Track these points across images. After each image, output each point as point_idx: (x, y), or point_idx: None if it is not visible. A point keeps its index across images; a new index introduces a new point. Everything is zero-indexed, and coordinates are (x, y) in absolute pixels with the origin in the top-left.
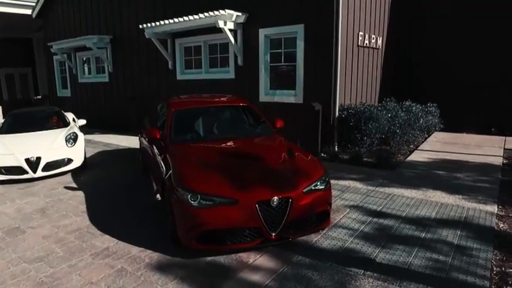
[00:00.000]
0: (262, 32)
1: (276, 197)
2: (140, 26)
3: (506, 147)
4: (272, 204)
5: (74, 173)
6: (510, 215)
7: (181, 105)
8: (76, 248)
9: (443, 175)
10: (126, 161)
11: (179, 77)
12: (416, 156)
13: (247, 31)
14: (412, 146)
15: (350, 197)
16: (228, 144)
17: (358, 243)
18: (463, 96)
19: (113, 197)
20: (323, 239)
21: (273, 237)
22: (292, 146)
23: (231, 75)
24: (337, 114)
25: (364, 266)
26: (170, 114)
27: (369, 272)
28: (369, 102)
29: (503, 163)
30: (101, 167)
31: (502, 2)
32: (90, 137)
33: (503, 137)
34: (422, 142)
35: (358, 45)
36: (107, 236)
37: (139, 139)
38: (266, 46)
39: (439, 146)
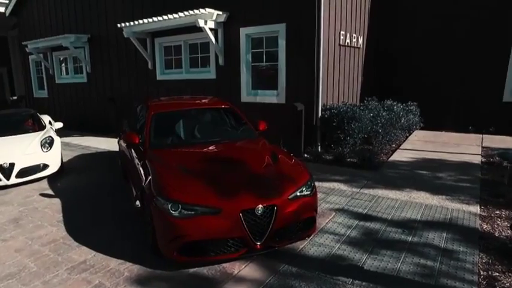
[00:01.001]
0: (244, 31)
1: (260, 205)
2: (118, 25)
3: (483, 145)
4: (257, 213)
5: (51, 179)
6: (492, 215)
7: (160, 108)
8: (51, 262)
9: (425, 175)
10: (106, 164)
11: (159, 77)
12: (398, 156)
13: (228, 30)
14: (394, 145)
15: (335, 199)
16: (210, 148)
17: (345, 250)
18: (442, 95)
19: (91, 204)
20: (309, 246)
21: (258, 246)
22: (276, 150)
23: (212, 75)
24: (319, 114)
25: (352, 274)
26: (149, 117)
27: (357, 281)
28: (350, 101)
29: (481, 161)
30: (79, 171)
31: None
32: (68, 139)
33: (480, 135)
34: (404, 141)
35: (339, 45)
36: (84, 248)
37: (118, 142)
38: (247, 45)
39: (420, 144)
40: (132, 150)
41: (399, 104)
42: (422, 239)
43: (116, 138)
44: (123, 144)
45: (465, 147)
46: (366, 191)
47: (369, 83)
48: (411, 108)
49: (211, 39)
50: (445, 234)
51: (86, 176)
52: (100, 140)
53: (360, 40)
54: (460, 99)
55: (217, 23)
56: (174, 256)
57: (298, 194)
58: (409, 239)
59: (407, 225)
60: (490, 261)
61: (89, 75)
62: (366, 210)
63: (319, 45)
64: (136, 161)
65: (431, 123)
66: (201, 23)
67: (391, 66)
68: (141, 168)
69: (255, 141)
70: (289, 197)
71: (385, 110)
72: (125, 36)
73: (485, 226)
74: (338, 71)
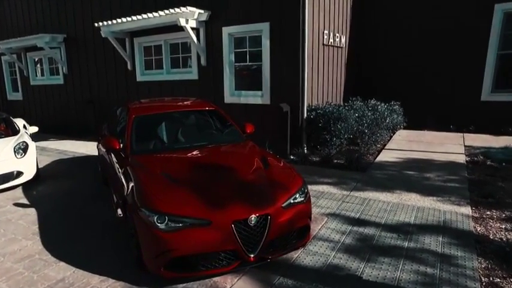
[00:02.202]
0: (226, 31)
1: (253, 215)
2: (96, 25)
3: (465, 144)
4: (250, 224)
5: (25, 187)
6: (484, 216)
7: (142, 111)
8: (26, 281)
9: (414, 176)
10: (85, 170)
11: (139, 78)
12: (384, 156)
13: (210, 29)
14: (379, 145)
15: (326, 203)
16: (196, 154)
17: (341, 258)
18: (423, 94)
19: (70, 213)
20: (304, 255)
21: (252, 259)
22: (266, 154)
23: (194, 75)
24: (305, 115)
25: (351, 285)
26: (130, 120)
27: None
28: (334, 101)
29: (466, 161)
30: (56, 178)
31: (457, 2)
32: (44, 143)
33: (461, 134)
34: (389, 141)
35: (323, 44)
36: (62, 264)
37: (97, 147)
38: (230, 45)
39: (404, 144)
40: (113, 156)
41: (383, 104)
42: (419, 244)
43: (95, 142)
44: (103, 149)
45: (449, 146)
46: (356, 193)
47: (352, 83)
48: (395, 108)
49: (192, 39)
50: (441, 238)
51: (63, 183)
52: (78, 144)
53: (343, 40)
54: (441, 99)
55: (198, 22)
56: (161, 272)
57: (292, 201)
58: (406, 244)
59: (402, 229)
60: (489, 266)
61: (65, 76)
62: (358, 215)
63: (304, 45)
64: (117, 167)
65: (413, 123)
66: (183, 22)
67: (372, 66)
68: (122, 176)
69: (243, 144)
70: (283, 205)
71: (369, 110)
72: (103, 35)
73: (479, 228)
74: (322, 71)
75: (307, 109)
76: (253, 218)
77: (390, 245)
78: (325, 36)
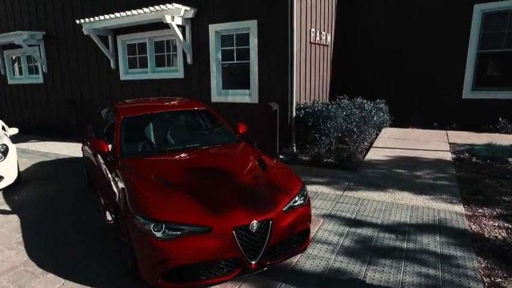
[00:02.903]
0: (213, 28)
1: (255, 221)
2: (77, 22)
3: (450, 141)
4: (251, 230)
5: (6, 192)
6: (476, 214)
7: (131, 111)
8: None
9: (404, 174)
10: (69, 173)
11: (123, 77)
12: (373, 155)
13: (196, 27)
14: (366, 144)
15: (320, 204)
16: (190, 156)
17: (342, 261)
18: (406, 92)
19: (56, 220)
20: (304, 260)
21: (253, 266)
22: (262, 155)
23: (180, 74)
24: (294, 113)
25: None
26: (119, 122)
27: None
28: (320, 100)
29: (453, 158)
30: (39, 182)
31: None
32: (24, 145)
33: (445, 131)
34: (375, 139)
35: (310, 42)
36: (50, 276)
37: (82, 149)
38: (217, 43)
39: (391, 142)
40: (100, 159)
41: (369, 102)
42: (418, 245)
43: (78, 143)
44: (89, 151)
45: (434, 144)
46: (350, 193)
47: (337, 81)
48: (380, 106)
49: (178, 37)
50: (438, 238)
51: (47, 187)
52: (60, 146)
53: (328, 38)
54: (424, 97)
55: (184, 19)
56: (158, 283)
57: (292, 204)
58: (405, 245)
59: (399, 229)
60: (489, 265)
61: (45, 75)
62: (354, 215)
63: (293, 42)
64: (106, 172)
65: (397, 121)
66: (168, 19)
67: (356, 65)
68: (112, 181)
69: (237, 146)
70: (284, 209)
71: (356, 108)
72: (85, 33)
73: (473, 227)
74: (309, 69)
75: (295, 108)
76: (254, 224)
77: (389, 246)
78: (312, 35)
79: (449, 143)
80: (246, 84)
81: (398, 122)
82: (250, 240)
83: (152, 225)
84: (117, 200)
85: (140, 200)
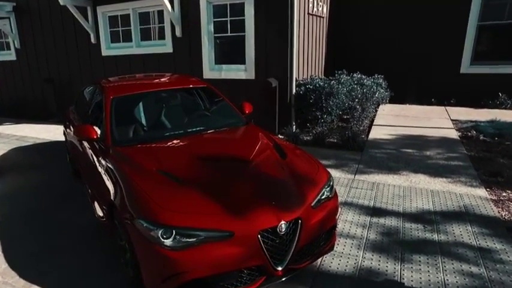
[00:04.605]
0: None
1: (283, 221)
2: None
3: (452, 118)
4: (279, 232)
5: None
6: (502, 198)
7: (121, 90)
8: None
9: (414, 154)
10: (50, 160)
11: (105, 52)
12: (377, 133)
13: None
14: (367, 121)
15: None
16: (196, 143)
17: (372, 259)
18: (403, 67)
19: (39, 218)
20: (330, 258)
21: (280, 272)
22: (277, 140)
23: (169, 48)
24: (294, 90)
25: None
26: (108, 103)
27: None
28: (317, 75)
29: (459, 136)
30: (16, 171)
31: None
32: None
33: (443, 107)
34: (375, 116)
35: (308, 13)
36: None
37: (64, 133)
38: (209, 14)
39: (392, 119)
40: (87, 147)
41: (368, 78)
42: (450, 237)
43: (59, 125)
44: (74, 137)
45: (436, 120)
46: (362, 177)
47: (332, 56)
48: (379, 81)
49: (166, 6)
50: (470, 228)
51: (26, 177)
52: (38, 128)
53: (324, 9)
54: (421, 72)
55: None
56: None
57: (320, 198)
58: (436, 237)
59: (425, 218)
60: None
61: (18, 51)
62: (372, 202)
63: (293, 12)
64: (96, 162)
65: (394, 97)
66: None
67: (352, 39)
68: (104, 174)
69: (246, 128)
70: (313, 205)
71: (356, 84)
72: (61, 3)
73: (503, 213)
74: (307, 43)
75: (295, 84)
76: (283, 225)
77: (420, 239)
78: (310, 4)
79: (452, 120)
80: (241, 59)
81: (395, 98)
82: (277, 244)
83: (161, 232)
84: (111, 197)
85: (142, 199)
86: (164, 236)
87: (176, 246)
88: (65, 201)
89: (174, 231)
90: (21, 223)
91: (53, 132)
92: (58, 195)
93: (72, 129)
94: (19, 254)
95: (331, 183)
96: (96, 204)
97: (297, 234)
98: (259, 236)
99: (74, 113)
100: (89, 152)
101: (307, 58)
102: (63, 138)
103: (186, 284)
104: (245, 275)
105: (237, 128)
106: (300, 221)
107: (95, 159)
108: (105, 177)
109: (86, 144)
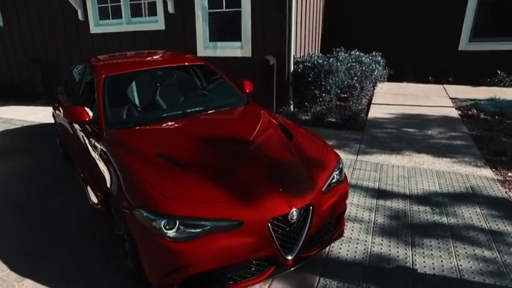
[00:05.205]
0: None
1: (294, 208)
2: None
3: (450, 96)
4: (291, 220)
5: None
6: (508, 179)
7: (114, 69)
8: None
9: (415, 134)
10: (39, 143)
11: (93, 30)
12: (376, 112)
13: None
14: (365, 100)
15: None
16: (196, 124)
17: (381, 244)
18: (400, 45)
19: (29, 206)
20: (338, 244)
21: (290, 262)
22: (282, 120)
23: (161, 25)
24: (292, 68)
25: (406, 281)
26: (100, 82)
27: None
28: (314, 53)
29: (460, 115)
30: (3, 156)
31: None
32: None
33: (441, 85)
34: (373, 95)
35: None
36: (28, 283)
37: (53, 115)
38: None
39: (390, 98)
40: (78, 129)
41: (367, 55)
42: (460, 219)
43: (47, 107)
44: (65, 119)
45: (435, 99)
46: (365, 157)
47: (328, 33)
48: (377, 59)
49: None
50: (479, 210)
51: (14, 162)
52: (26, 110)
53: None
54: (419, 49)
55: None
56: None
57: (331, 182)
58: (445, 220)
59: (432, 200)
60: None
61: (1, 30)
62: (377, 184)
63: None
64: (88, 145)
65: (392, 75)
66: None
67: (349, 15)
68: (98, 159)
69: (248, 108)
70: (324, 189)
71: (354, 62)
72: None
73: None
74: (305, 19)
75: (293, 62)
76: (294, 213)
77: (429, 223)
78: None
79: (451, 98)
80: (237, 36)
81: (393, 76)
82: (287, 232)
83: (164, 222)
84: (107, 184)
85: (141, 186)
86: (167, 227)
87: (180, 238)
88: (57, 187)
89: (177, 221)
90: (10, 211)
91: (42, 114)
92: (49, 180)
93: (61, 111)
94: (8, 245)
95: (340, 166)
96: (89, 189)
97: (308, 222)
98: (269, 224)
99: (63, 94)
100: (80, 134)
101: (304, 34)
102: (51, 121)
103: (192, 279)
104: (254, 266)
105: (239, 108)
106: (311, 208)
107: (87, 142)
108: (99, 163)
109: (76, 126)
